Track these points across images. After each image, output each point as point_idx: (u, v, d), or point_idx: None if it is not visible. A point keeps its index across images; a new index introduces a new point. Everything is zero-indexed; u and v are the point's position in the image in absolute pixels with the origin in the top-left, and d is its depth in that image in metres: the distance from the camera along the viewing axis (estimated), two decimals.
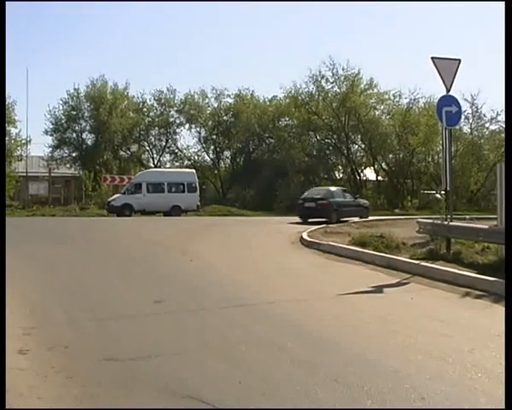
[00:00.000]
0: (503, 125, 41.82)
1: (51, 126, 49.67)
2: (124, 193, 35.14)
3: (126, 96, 51.54)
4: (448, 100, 14.63)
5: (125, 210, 33.31)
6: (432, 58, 14.53)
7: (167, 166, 50.56)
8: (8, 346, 6.22)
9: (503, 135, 41.27)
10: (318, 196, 27.29)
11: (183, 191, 35.84)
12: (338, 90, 47.73)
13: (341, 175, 50.79)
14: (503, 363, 5.68)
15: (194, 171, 39.41)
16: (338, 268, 13.68)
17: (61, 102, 49.88)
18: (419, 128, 45.37)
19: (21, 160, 46.00)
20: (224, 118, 50.97)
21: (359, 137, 49.47)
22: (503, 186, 12.83)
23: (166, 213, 34.08)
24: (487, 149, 45.76)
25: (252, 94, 51.35)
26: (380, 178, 50.49)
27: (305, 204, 27.04)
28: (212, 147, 51.51)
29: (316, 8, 77.92)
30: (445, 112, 14.41)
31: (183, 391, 5.40)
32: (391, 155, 49.48)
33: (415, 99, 47.35)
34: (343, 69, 46.89)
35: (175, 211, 34.43)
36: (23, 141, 45.74)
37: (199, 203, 36.37)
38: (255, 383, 5.63)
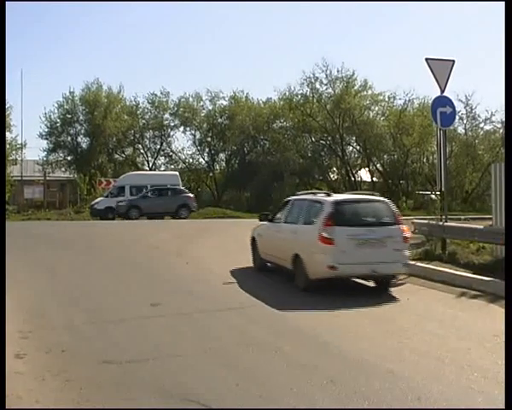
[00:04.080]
0: (498, 126, 41.94)
1: (46, 130, 49.48)
2: (107, 196, 34.51)
3: (120, 99, 51.46)
4: (442, 101, 14.68)
5: (108, 213, 32.55)
6: (426, 59, 14.57)
7: (162, 168, 50.40)
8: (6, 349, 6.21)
9: (498, 135, 41.44)
10: None
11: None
12: (332, 92, 47.68)
13: (336, 176, 50.78)
14: (500, 362, 5.71)
15: (177, 173, 39.05)
16: None
17: (56, 106, 49.71)
18: (414, 129, 45.34)
19: (16, 164, 45.86)
20: (219, 120, 50.83)
21: (354, 138, 49.40)
22: (497, 186, 12.88)
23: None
24: (482, 149, 45.74)
25: (246, 96, 51.33)
26: (375, 179, 50.45)
27: None
28: (207, 149, 51.37)
29: (310, 10, 77.99)
30: (440, 113, 14.46)
31: (180, 394, 5.42)
32: (386, 156, 49.42)
33: (409, 100, 47.28)
34: (337, 71, 46.91)
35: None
36: (18, 145, 45.61)
37: None
38: (252, 386, 5.65)
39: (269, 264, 12.86)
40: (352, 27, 79.68)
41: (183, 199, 33.04)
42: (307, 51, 74.94)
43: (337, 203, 11.00)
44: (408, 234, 11.05)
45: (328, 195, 11.98)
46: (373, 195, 12.51)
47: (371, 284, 11.19)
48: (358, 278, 11.16)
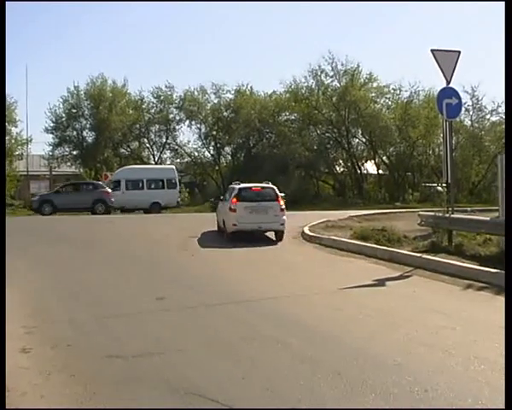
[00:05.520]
0: (504, 117, 41.74)
1: (52, 124, 49.50)
2: None
3: (125, 93, 51.44)
4: (448, 92, 14.58)
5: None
6: (431, 50, 14.47)
7: (168, 162, 50.46)
8: (10, 345, 6.21)
9: (504, 126, 41.25)
10: None
11: (163, 188, 35.74)
12: (338, 85, 47.58)
13: (342, 169, 50.67)
14: None
15: (173, 167, 39.36)
16: (340, 262, 13.67)
17: (62, 100, 49.77)
18: (419, 121, 45.23)
19: (22, 159, 45.92)
20: (224, 114, 50.77)
21: (360, 130, 49.30)
22: (504, 177, 12.79)
23: (146, 211, 33.68)
24: (488, 140, 45.58)
25: (251, 89, 51.27)
26: (381, 171, 50.34)
27: None
28: (213, 143, 51.34)
29: (315, 3, 77.74)
30: (446, 104, 14.37)
31: (186, 388, 5.39)
32: (391, 149, 49.27)
33: (415, 92, 47.19)
34: (342, 64, 46.83)
35: (154, 208, 34.13)
36: (23, 140, 45.60)
37: (179, 200, 36.31)
38: (258, 379, 5.62)
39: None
40: (356, 23, 79.48)
41: (100, 194, 32.34)
42: (312, 45, 74.95)
43: (240, 189, 18.60)
44: (283, 206, 18.14)
45: (239, 184, 19.23)
46: (267, 184, 19.16)
47: (376, 276, 11.23)
48: (251, 231, 17.87)
